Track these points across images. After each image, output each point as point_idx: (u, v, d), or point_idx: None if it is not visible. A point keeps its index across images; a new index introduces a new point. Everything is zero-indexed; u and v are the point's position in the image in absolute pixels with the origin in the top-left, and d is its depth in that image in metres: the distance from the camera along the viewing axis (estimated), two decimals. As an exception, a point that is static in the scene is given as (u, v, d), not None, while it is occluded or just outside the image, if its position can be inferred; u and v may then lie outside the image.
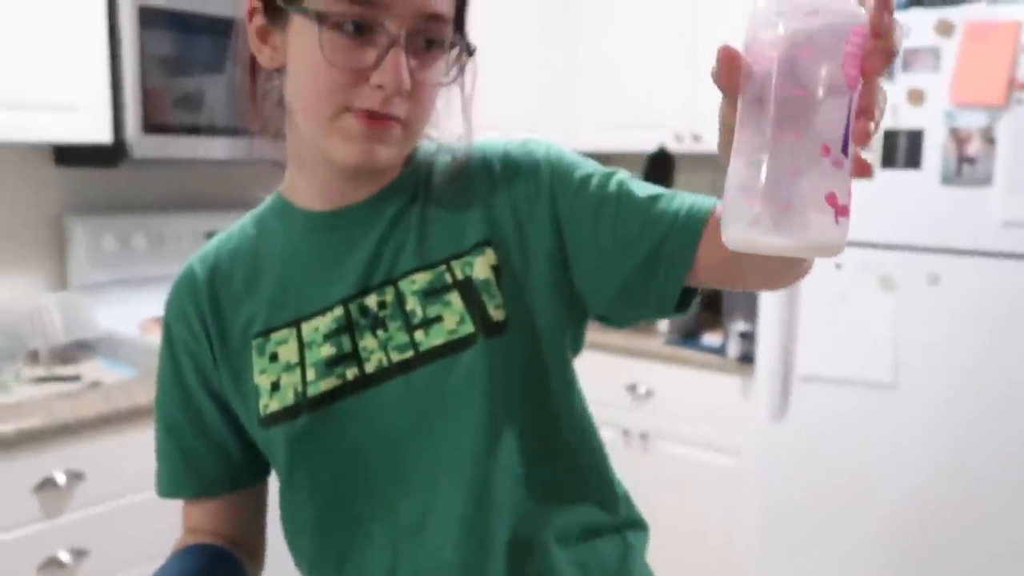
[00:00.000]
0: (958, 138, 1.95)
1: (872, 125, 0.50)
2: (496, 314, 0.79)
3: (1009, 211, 1.89)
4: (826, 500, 2.18)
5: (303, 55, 0.75)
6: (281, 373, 0.81)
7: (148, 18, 2.00)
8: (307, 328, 0.82)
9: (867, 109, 0.49)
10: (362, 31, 0.73)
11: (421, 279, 0.80)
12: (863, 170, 0.50)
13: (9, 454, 1.67)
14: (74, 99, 1.94)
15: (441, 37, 0.76)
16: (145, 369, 2.06)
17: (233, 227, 0.91)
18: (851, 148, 0.49)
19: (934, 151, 1.98)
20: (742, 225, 0.50)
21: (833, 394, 2.14)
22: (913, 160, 2.01)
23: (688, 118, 2.70)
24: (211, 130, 2.16)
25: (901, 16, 2.02)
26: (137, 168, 2.23)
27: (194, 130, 2.13)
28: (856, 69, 0.48)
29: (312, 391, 0.80)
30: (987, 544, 1.97)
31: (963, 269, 1.96)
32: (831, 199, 0.49)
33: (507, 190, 0.83)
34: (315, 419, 0.80)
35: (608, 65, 2.89)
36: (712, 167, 3.01)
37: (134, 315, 2.30)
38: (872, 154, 2.07)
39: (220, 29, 2.13)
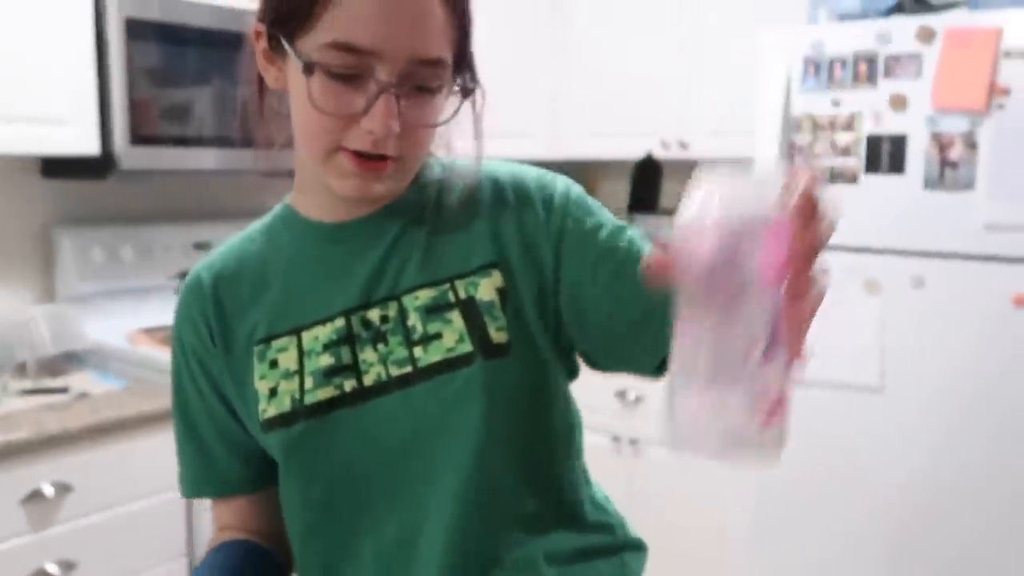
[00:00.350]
0: (940, 143, 1.97)
1: (803, 320, 0.50)
2: (497, 336, 0.79)
3: (991, 214, 1.91)
4: (815, 502, 2.19)
5: (297, 92, 0.76)
6: (280, 380, 0.82)
7: (135, 30, 2.01)
8: (307, 337, 0.82)
9: (795, 304, 0.50)
10: (353, 76, 0.73)
11: (424, 296, 0.80)
12: (797, 362, 0.50)
13: (-3, 467, 1.67)
14: (61, 111, 1.94)
15: (436, 81, 0.76)
16: (134, 380, 2.05)
17: (240, 234, 0.92)
18: (782, 345, 0.49)
19: (917, 156, 2.00)
20: (673, 426, 0.50)
21: (820, 397, 2.16)
22: (896, 165, 2.03)
23: (675, 126, 2.72)
24: (199, 141, 2.16)
25: (884, 23, 2.05)
26: (125, 179, 2.22)
27: (182, 141, 2.13)
28: (779, 266, 0.49)
29: (309, 399, 0.80)
30: (972, 542, 1.98)
31: (947, 272, 1.98)
32: (759, 401, 0.48)
33: (517, 216, 0.83)
34: (310, 427, 0.80)
35: (596, 73, 2.91)
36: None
37: (122, 326, 2.29)
38: (857, 159, 2.08)
39: (207, 41, 2.13)
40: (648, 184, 2.86)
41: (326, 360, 0.81)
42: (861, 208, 2.07)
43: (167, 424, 1.90)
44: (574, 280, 0.81)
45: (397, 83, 0.73)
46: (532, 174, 0.86)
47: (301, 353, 0.82)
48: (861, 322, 2.08)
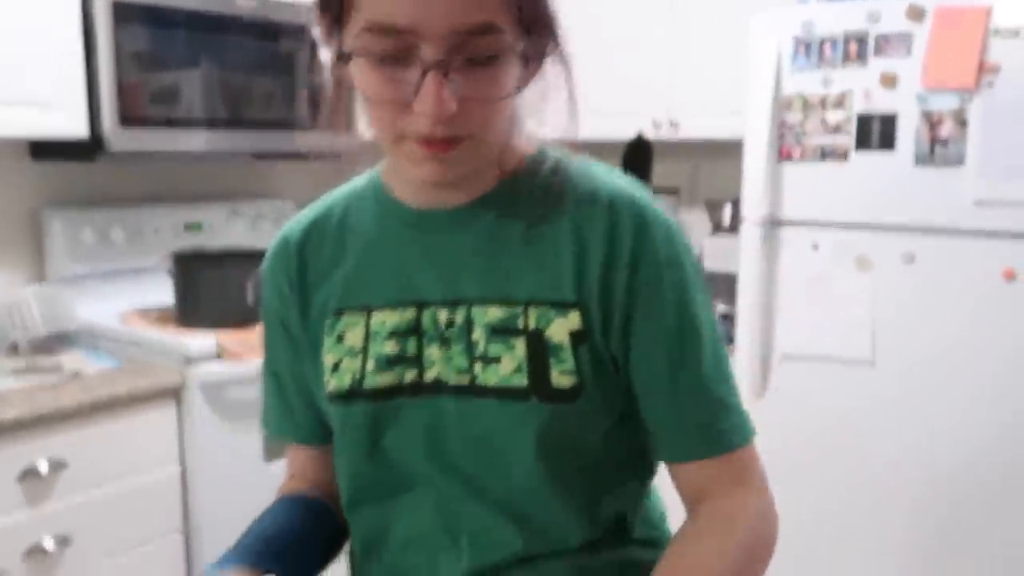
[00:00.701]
0: (931, 121, 1.98)
1: None
2: (560, 380, 0.75)
3: (981, 191, 1.92)
4: (806, 475, 2.21)
5: (356, 84, 0.73)
6: (344, 356, 0.81)
7: (122, 12, 2.00)
8: (376, 318, 0.80)
9: None
10: (398, 59, 0.68)
11: (494, 313, 0.77)
12: None
13: (-8, 444, 1.67)
14: (49, 94, 1.93)
15: (491, 49, 0.69)
16: (126, 360, 2.05)
17: (327, 197, 0.90)
18: None
19: (907, 133, 2.01)
20: None
21: (812, 372, 2.17)
22: (887, 142, 2.04)
23: (666, 105, 2.72)
24: (188, 123, 2.15)
25: (874, 2, 2.05)
26: (114, 162, 2.22)
27: (171, 123, 2.13)
28: None
29: (368, 383, 0.79)
30: (963, 514, 2.00)
31: (938, 248, 1.99)
32: None
33: (609, 261, 0.77)
34: (365, 410, 0.80)
35: (585, 53, 2.89)
36: (690, 155, 3.03)
37: (114, 307, 2.29)
38: (848, 137, 2.09)
39: (196, 22, 2.13)
40: (639, 164, 2.86)
41: (391, 347, 0.79)
42: (852, 185, 2.08)
43: (160, 402, 1.92)
44: (630, 353, 0.78)
45: (445, 59, 0.67)
46: (647, 217, 0.78)
47: (368, 333, 0.80)
48: (852, 298, 2.10)
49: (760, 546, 0.80)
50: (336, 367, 0.81)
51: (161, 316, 2.22)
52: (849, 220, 2.10)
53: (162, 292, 2.27)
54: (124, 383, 1.87)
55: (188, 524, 1.99)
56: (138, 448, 1.89)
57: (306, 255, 0.86)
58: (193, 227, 2.50)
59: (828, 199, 2.12)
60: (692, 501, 0.81)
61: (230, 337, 2.03)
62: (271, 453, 2.09)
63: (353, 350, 0.81)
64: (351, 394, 0.80)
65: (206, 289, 2.15)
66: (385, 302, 0.81)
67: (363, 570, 0.88)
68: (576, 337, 0.76)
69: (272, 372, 0.91)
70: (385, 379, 0.79)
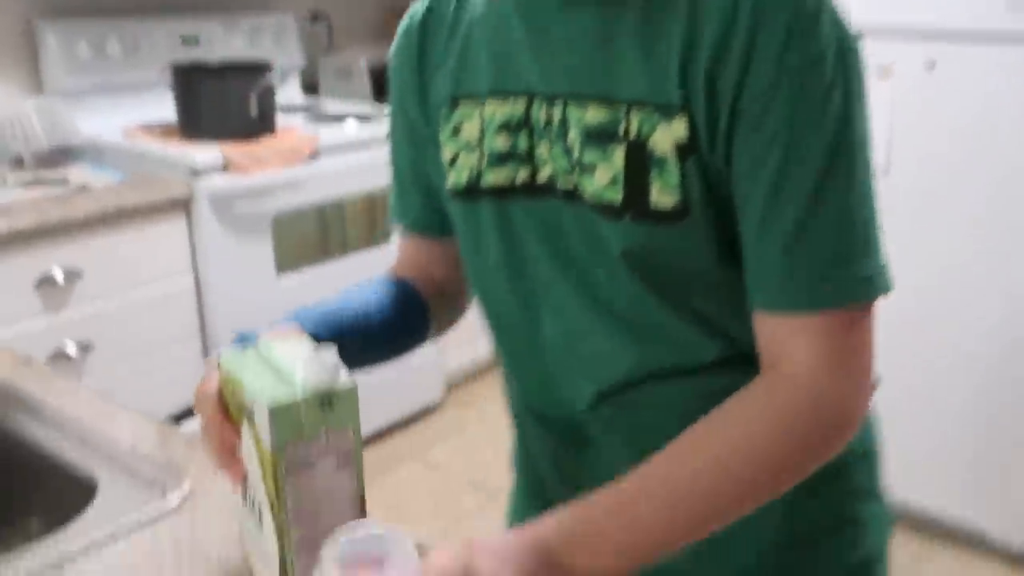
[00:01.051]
0: (966, -85, 1.86)
1: None
2: (663, 199, 0.65)
3: (1013, -9, 1.83)
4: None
5: None
6: (461, 150, 0.76)
7: None
8: (487, 109, 0.75)
9: None
10: None
11: (593, 114, 0.68)
12: None
13: (5, 253, 1.69)
14: None
15: None
16: (131, 173, 2.04)
17: None
18: None
19: (940, -71, 1.89)
20: None
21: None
22: (918, -61, 1.92)
23: None
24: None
25: None
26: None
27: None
28: None
29: (485, 181, 0.75)
30: (973, 321, 2.04)
31: (961, 54, 1.92)
32: None
33: (718, 52, 0.63)
34: (482, 207, 0.76)
35: None
36: None
37: (114, 123, 2.26)
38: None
39: None
40: None
41: (503, 142, 0.73)
42: (877, -12, 1.98)
43: (170, 214, 1.93)
44: (734, 174, 0.66)
45: None
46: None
47: (483, 126, 0.75)
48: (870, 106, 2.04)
49: (814, 439, 0.67)
50: (454, 161, 0.77)
51: (164, 131, 2.19)
52: (871, 25, 2.01)
53: (161, 108, 2.22)
54: (132, 195, 1.87)
55: (204, 333, 2.04)
56: (150, 259, 1.92)
57: (426, 36, 0.80)
58: (190, 40, 2.42)
59: (849, 3, 2.02)
60: (764, 366, 0.68)
61: (235, 150, 2.01)
62: (282, 265, 2.12)
63: (470, 144, 0.75)
64: (469, 191, 0.76)
65: (208, 102, 2.11)
66: (494, 91, 0.74)
67: (507, 377, 0.87)
68: (683, 149, 0.64)
69: (393, 163, 0.88)
70: (499, 176, 0.73)
